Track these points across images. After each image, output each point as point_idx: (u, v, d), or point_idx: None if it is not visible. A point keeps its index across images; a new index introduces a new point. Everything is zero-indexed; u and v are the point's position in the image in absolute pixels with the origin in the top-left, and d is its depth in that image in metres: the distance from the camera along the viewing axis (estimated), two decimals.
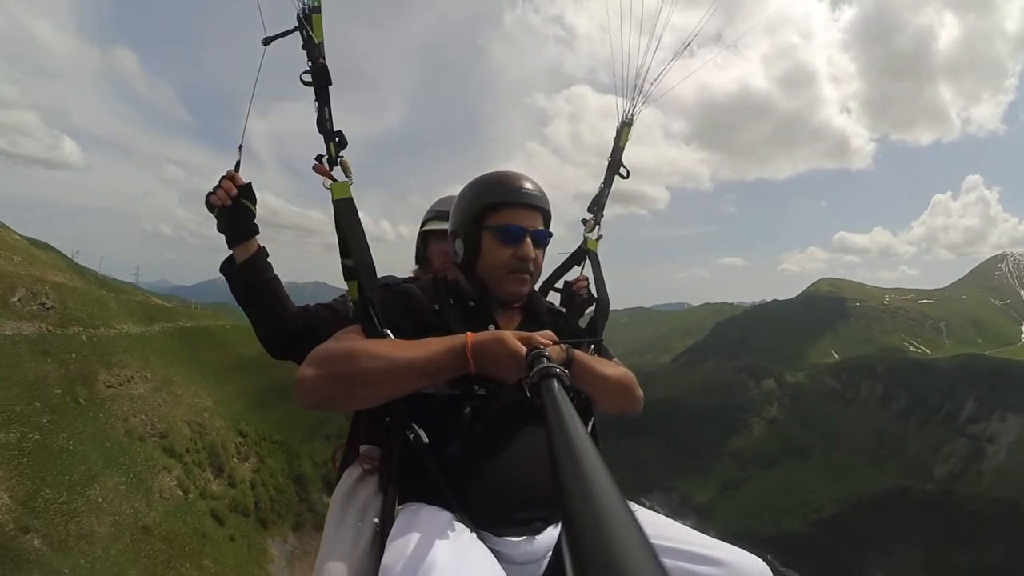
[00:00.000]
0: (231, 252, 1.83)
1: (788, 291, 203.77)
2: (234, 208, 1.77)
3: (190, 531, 16.45)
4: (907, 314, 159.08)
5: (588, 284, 2.24)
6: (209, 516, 18.35)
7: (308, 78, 1.67)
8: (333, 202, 1.63)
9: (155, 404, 19.54)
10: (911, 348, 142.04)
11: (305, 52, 1.70)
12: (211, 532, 17.69)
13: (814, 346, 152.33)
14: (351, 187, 1.66)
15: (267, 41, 1.75)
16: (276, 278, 1.86)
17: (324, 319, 1.80)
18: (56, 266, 22.45)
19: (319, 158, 1.67)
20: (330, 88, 1.71)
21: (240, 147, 1.82)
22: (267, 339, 1.83)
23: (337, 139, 1.68)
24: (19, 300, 17.10)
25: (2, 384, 13.66)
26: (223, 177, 1.80)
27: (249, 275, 1.80)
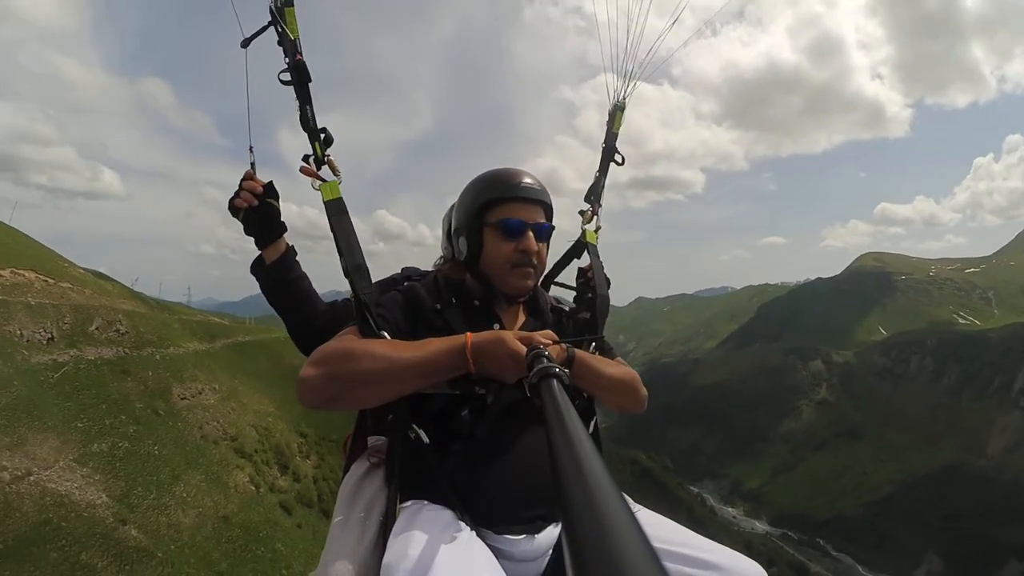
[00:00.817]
0: (260, 253, 1.82)
1: (832, 268, 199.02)
2: (261, 208, 1.76)
3: (263, 520, 18.30)
4: (955, 284, 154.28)
5: (602, 268, 2.08)
6: (279, 507, 20.44)
7: (287, 77, 1.61)
8: (324, 203, 1.58)
9: (224, 412, 22.40)
10: (960, 320, 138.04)
11: (281, 49, 1.62)
12: (281, 521, 19.66)
13: (861, 323, 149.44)
14: (340, 186, 1.61)
15: (245, 43, 1.68)
16: (304, 275, 1.87)
17: (352, 314, 1.65)
18: (121, 294, 25.36)
19: (306, 158, 1.61)
20: (321, 86, 1.61)
21: (251, 148, 1.81)
22: (296, 335, 1.86)
23: (323, 137, 1.62)
24: (97, 328, 19.82)
25: (92, 402, 16.16)
26: (243, 179, 1.79)
27: (279, 274, 1.81)
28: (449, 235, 2.06)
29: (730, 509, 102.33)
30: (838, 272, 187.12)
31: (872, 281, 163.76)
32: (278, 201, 1.81)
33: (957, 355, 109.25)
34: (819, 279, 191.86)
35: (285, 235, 1.85)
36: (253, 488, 19.19)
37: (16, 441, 12.54)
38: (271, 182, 1.79)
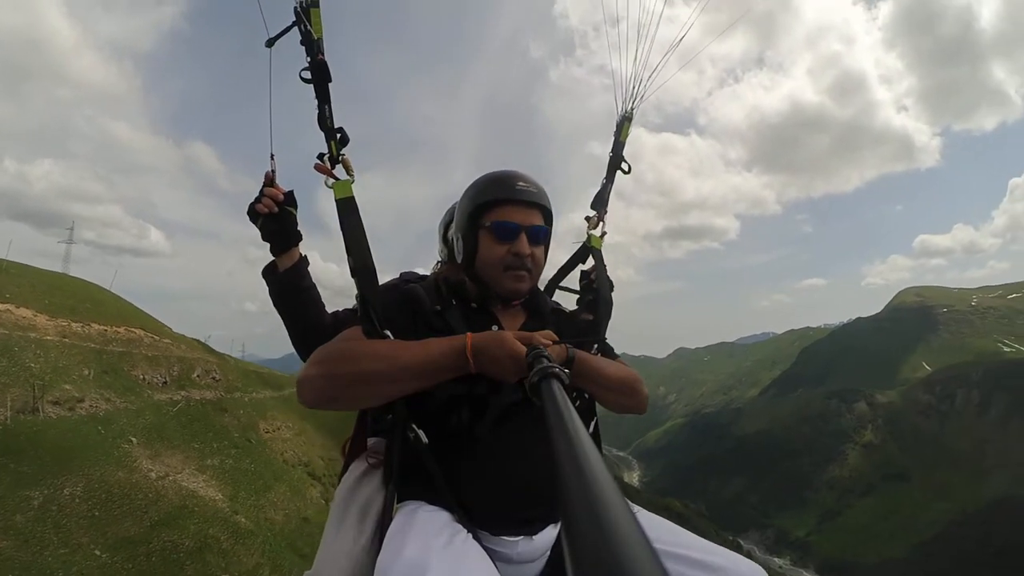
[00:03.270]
0: (273, 259, 1.83)
1: (874, 306, 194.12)
2: (280, 215, 1.78)
3: None
4: (997, 312, 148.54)
5: (606, 271, 2.05)
6: None
7: (307, 75, 1.60)
8: (336, 201, 1.57)
9: (298, 444, 26.72)
10: (1005, 348, 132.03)
11: (304, 48, 1.62)
12: None
13: (905, 361, 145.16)
14: (353, 185, 1.60)
15: (270, 43, 1.67)
16: (314, 285, 1.88)
17: (353, 322, 1.63)
18: (204, 349, 30.39)
19: (321, 156, 1.62)
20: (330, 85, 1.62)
21: (272, 156, 1.81)
22: (300, 344, 1.83)
23: (339, 136, 1.63)
24: (198, 375, 24.83)
25: (202, 430, 20.44)
26: (264, 184, 1.80)
27: (291, 282, 1.81)
28: (444, 238, 2.29)
29: (776, 559, 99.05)
30: (879, 310, 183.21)
31: (913, 317, 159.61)
32: (296, 210, 1.82)
33: (1003, 385, 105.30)
34: (859, 319, 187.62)
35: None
36: (323, 502, 23.07)
37: (154, 453, 16.91)
38: (291, 191, 1.81)
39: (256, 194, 1.81)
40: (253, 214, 1.79)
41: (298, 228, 1.83)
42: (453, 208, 2.17)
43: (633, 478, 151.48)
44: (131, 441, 16.32)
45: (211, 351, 31.69)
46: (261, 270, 1.86)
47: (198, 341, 32.47)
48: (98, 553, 11.37)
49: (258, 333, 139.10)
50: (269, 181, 1.79)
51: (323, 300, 1.91)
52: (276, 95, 1.91)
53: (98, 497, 13.09)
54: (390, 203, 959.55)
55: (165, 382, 22.28)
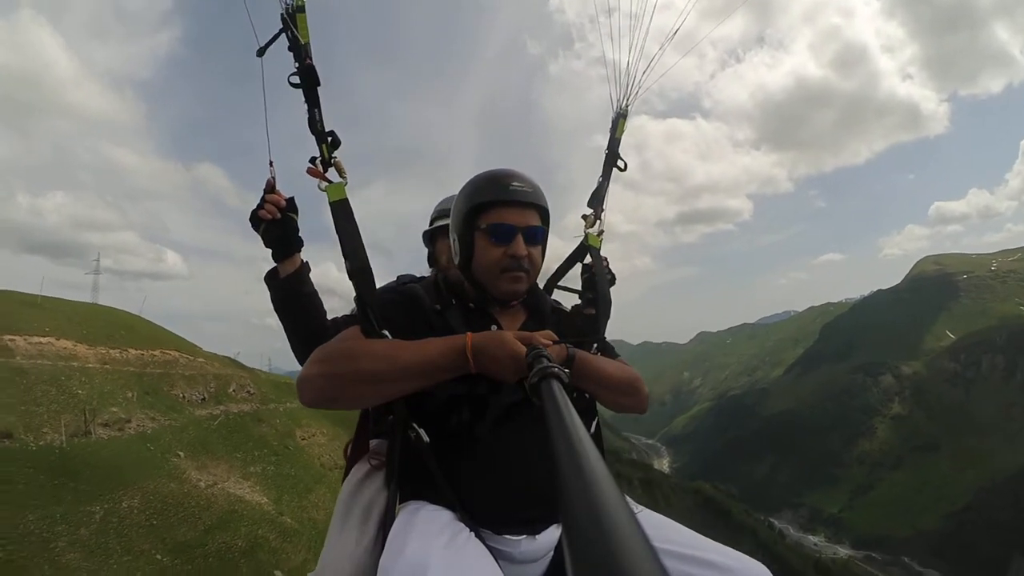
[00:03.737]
0: (275, 265, 1.84)
1: (894, 277, 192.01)
2: (282, 221, 1.79)
3: None
4: (1018, 276, 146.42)
5: (608, 265, 2.07)
6: None
7: (296, 80, 1.62)
8: (329, 204, 1.58)
9: (333, 449, 27.39)
10: None
11: (292, 54, 1.63)
12: None
13: (928, 330, 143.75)
14: (346, 188, 1.61)
15: (261, 52, 1.67)
16: (315, 292, 1.89)
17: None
18: (235, 366, 31.94)
19: (313, 160, 1.62)
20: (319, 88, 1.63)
21: (271, 163, 1.83)
22: (300, 350, 1.84)
23: (330, 139, 1.62)
24: (233, 390, 26.62)
25: (242, 441, 21.59)
26: (266, 190, 1.80)
27: (292, 288, 1.83)
28: (431, 240, 2.35)
29: (811, 537, 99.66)
30: (899, 281, 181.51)
31: (934, 285, 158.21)
32: (297, 216, 1.82)
33: None
34: (880, 291, 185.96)
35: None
36: None
37: (200, 465, 18.03)
38: (292, 197, 1.81)
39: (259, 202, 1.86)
40: (255, 220, 1.80)
41: (299, 234, 1.85)
42: (441, 206, 2.40)
43: (663, 465, 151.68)
44: (179, 455, 18.10)
45: (242, 367, 33.46)
46: (264, 276, 1.88)
47: (229, 358, 34.17)
48: (159, 558, 12.80)
49: (280, 347, 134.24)
50: (270, 188, 1.81)
51: (325, 307, 1.95)
52: (281, 104, 1.89)
53: (154, 507, 14.68)
54: (392, 213, 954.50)
55: (204, 398, 24.06)
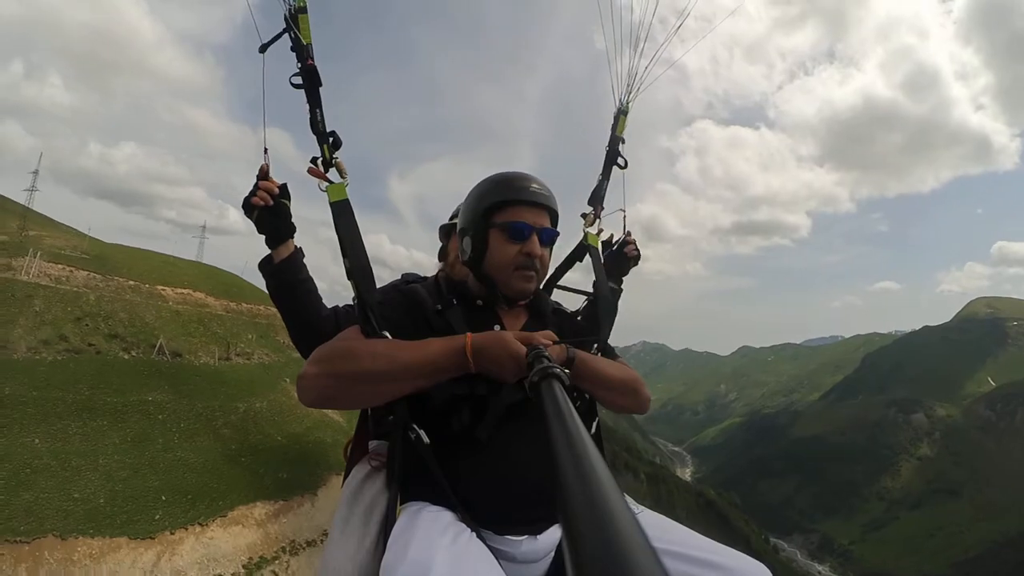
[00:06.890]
0: (269, 252, 1.84)
1: (944, 314, 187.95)
2: (276, 208, 1.79)
3: None
4: None
5: (636, 244, 2.13)
6: None
7: (298, 80, 1.63)
8: (330, 204, 1.60)
9: None
10: None
11: (294, 54, 1.65)
12: None
13: (971, 375, 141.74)
14: (347, 188, 1.63)
15: (263, 49, 1.70)
16: (311, 279, 1.89)
17: (353, 319, 1.68)
18: None
19: (314, 160, 1.65)
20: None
21: (265, 150, 1.83)
22: (298, 338, 1.87)
23: (331, 140, 1.65)
24: None
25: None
26: (259, 177, 1.80)
27: (286, 274, 1.83)
28: (447, 234, 2.39)
29: (817, 565, 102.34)
30: (949, 319, 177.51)
31: (983, 328, 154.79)
32: (290, 202, 1.83)
33: None
34: (927, 327, 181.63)
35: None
36: None
37: (281, 392, 24.37)
38: (285, 184, 1.82)
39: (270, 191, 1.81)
40: (248, 207, 1.78)
41: (292, 220, 1.84)
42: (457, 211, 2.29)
43: (686, 473, 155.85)
44: (285, 380, 25.05)
45: None
46: (258, 264, 1.87)
47: None
48: (279, 439, 21.31)
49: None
50: (264, 174, 1.80)
51: (341, 291, 1.91)
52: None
53: (275, 409, 22.79)
54: (452, 190, 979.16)
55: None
